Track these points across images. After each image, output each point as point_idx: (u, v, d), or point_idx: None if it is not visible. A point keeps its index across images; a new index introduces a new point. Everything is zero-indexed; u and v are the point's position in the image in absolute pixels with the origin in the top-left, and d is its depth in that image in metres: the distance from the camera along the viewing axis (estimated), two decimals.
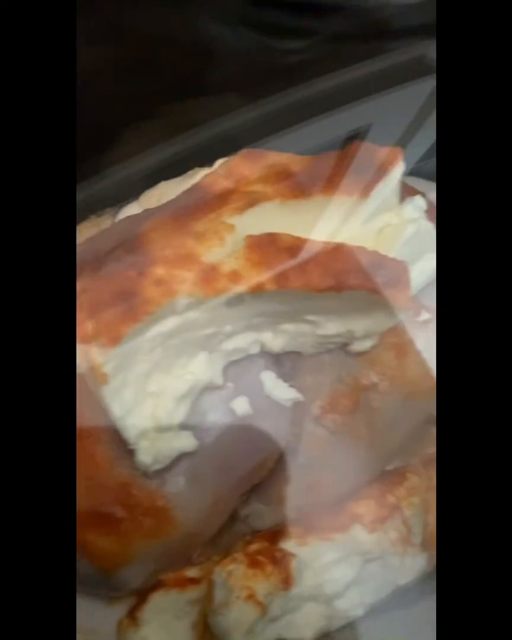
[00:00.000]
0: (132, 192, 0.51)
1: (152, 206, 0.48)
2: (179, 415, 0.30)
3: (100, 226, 0.49)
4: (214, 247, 0.29)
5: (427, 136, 0.45)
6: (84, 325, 0.27)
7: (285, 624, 0.30)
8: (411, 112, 0.44)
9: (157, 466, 0.29)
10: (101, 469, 0.30)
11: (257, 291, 0.28)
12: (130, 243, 0.29)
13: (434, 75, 0.41)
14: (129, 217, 0.39)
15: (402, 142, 0.43)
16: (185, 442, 0.30)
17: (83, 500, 0.29)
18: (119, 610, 0.33)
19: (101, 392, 0.28)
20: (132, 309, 0.27)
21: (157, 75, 0.47)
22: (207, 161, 0.50)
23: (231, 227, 0.29)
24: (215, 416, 0.32)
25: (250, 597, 0.29)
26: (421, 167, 0.47)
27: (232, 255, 0.29)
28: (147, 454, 0.29)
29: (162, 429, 0.30)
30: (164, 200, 0.48)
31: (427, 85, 0.45)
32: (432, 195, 0.41)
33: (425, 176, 0.46)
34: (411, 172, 0.47)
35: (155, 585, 0.32)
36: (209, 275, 0.28)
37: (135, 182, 0.52)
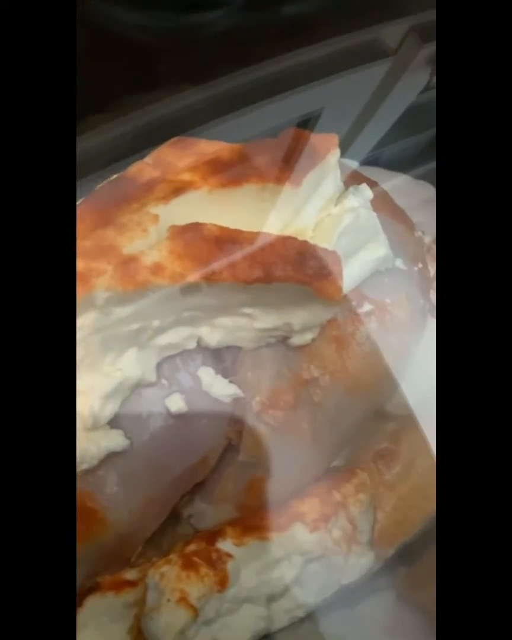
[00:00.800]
0: (85, 189, 0.50)
1: None
2: (108, 413, 0.29)
3: None
4: (136, 238, 0.27)
5: (382, 123, 0.44)
6: None
7: (220, 627, 0.29)
8: (364, 98, 0.43)
9: (84, 466, 0.28)
10: None
11: (180, 284, 0.27)
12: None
13: (389, 59, 0.40)
14: None
15: (356, 130, 0.42)
16: (115, 441, 0.29)
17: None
18: None
19: None
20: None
21: (108, 68, 0.46)
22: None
23: (155, 217, 0.28)
24: (149, 414, 0.31)
25: (182, 600, 0.28)
26: (380, 156, 0.46)
27: (155, 247, 0.27)
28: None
29: (89, 428, 0.29)
30: None
31: (380, 70, 0.43)
32: (389, 184, 0.40)
33: (384, 165, 0.45)
34: (369, 162, 0.46)
35: (91, 588, 0.31)
36: (129, 267, 0.27)
37: (87, 179, 0.51)
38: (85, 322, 0.27)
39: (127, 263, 0.27)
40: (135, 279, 0.27)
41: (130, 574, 0.32)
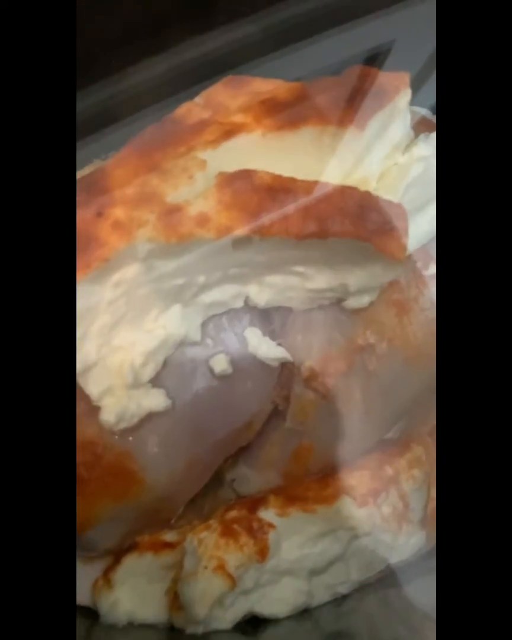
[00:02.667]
0: (126, 132, 0.48)
1: None
2: (149, 371, 0.28)
3: None
4: (181, 185, 0.25)
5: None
6: None
7: (259, 598, 0.28)
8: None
9: (123, 425, 0.27)
10: None
11: (227, 237, 0.25)
12: (89, 181, 0.26)
13: None
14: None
15: (430, 68, 0.37)
16: (156, 400, 0.28)
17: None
18: (96, 569, 0.32)
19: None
20: (87, 255, 0.24)
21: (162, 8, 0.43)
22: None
23: (202, 163, 0.26)
24: (192, 374, 0.29)
25: (220, 568, 0.27)
26: None
27: (201, 195, 0.25)
28: (112, 412, 0.27)
29: (129, 386, 0.27)
30: None
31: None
32: None
33: None
34: None
35: (130, 547, 0.31)
36: (173, 218, 0.25)
37: (141, 125, 0.49)
38: (126, 275, 0.26)
39: (171, 213, 0.25)
40: (178, 230, 0.25)
41: (169, 536, 0.31)
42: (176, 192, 0.25)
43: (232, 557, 0.28)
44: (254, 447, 0.32)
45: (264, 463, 0.32)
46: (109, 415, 0.27)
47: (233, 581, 0.27)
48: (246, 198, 0.25)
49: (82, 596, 0.32)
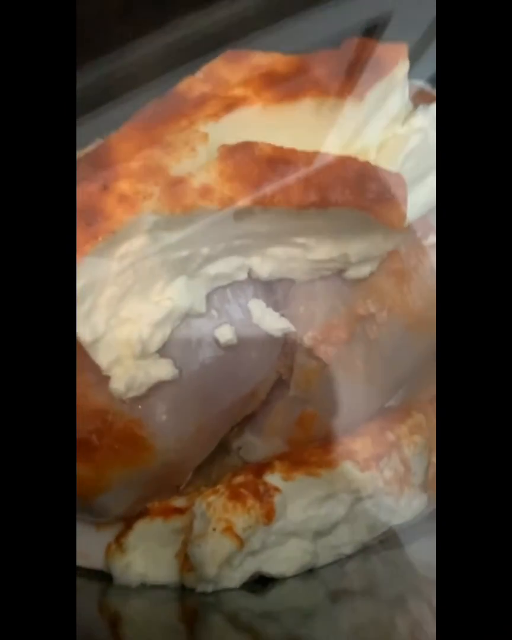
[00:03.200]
0: (130, 105, 0.48)
1: None
2: (157, 342, 0.28)
3: None
4: (184, 158, 0.26)
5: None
6: None
7: (266, 558, 0.29)
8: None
9: (132, 394, 0.28)
10: (81, 395, 0.29)
11: (230, 208, 0.26)
12: (94, 156, 0.26)
13: None
14: None
15: (428, 40, 0.37)
16: (164, 370, 0.29)
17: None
18: (108, 535, 0.33)
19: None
20: (94, 227, 0.25)
21: None
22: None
23: (204, 136, 0.26)
24: (198, 345, 0.30)
25: (228, 529, 0.28)
26: None
27: (204, 167, 0.26)
28: (121, 381, 0.28)
29: (138, 356, 0.28)
30: None
31: None
32: None
33: None
34: None
35: (141, 513, 0.32)
36: (177, 190, 0.25)
37: (140, 102, 0.49)
38: (132, 247, 0.26)
39: (175, 185, 0.26)
40: (182, 202, 0.25)
41: (178, 502, 0.32)
42: (179, 164, 0.26)
43: (240, 519, 0.29)
44: (259, 415, 0.33)
45: (269, 431, 0.33)
46: (118, 384, 0.28)
47: (241, 542, 0.28)
48: (248, 169, 0.26)
49: (96, 561, 0.33)
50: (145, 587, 0.31)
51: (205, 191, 0.25)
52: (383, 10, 0.32)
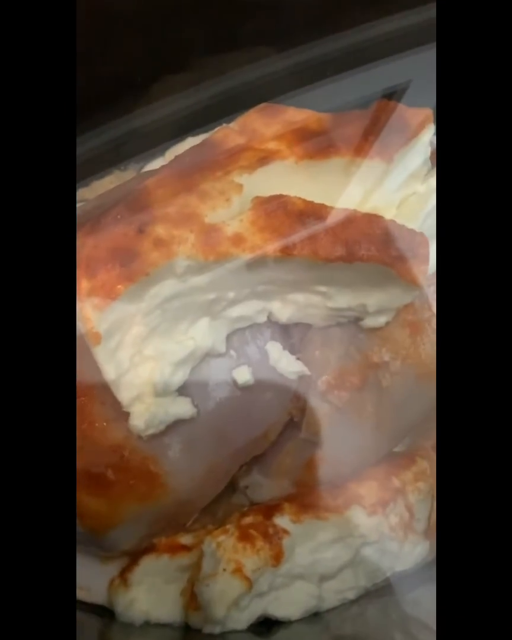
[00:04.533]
0: (158, 147, 0.50)
1: None
2: (177, 380, 0.29)
3: (122, 180, 0.48)
4: (219, 207, 0.27)
5: None
6: (80, 282, 0.26)
7: (272, 600, 0.30)
8: None
9: (151, 431, 0.29)
10: (96, 429, 0.29)
11: (261, 258, 0.27)
12: (132, 199, 0.27)
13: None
14: (141, 173, 0.38)
15: None
16: (183, 408, 0.29)
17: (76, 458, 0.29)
18: (112, 569, 0.33)
19: (94, 352, 0.27)
20: (128, 268, 0.26)
21: (187, 27, 0.45)
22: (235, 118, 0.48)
23: (239, 187, 0.27)
24: (216, 384, 0.31)
25: (238, 570, 0.29)
26: None
27: (237, 217, 0.27)
28: (141, 418, 0.28)
29: (158, 394, 0.29)
30: None
31: None
32: None
33: None
34: None
35: (147, 549, 0.32)
36: (211, 237, 0.26)
37: (161, 137, 0.50)
38: (163, 289, 0.27)
39: (209, 232, 0.27)
40: (216, 249, 0.26)
41: (185, 539, 0.32)
42: (214, 213, 0.27)
43: (249, 561, 0.29)
44: (268, 455, 0.34)
45: (277, 471, 0.34)
46: (138, 421, 0.28)
47: (250, 584, 0.29)
48: (279, 221, 0.27)
49: (98, 595, 0.33)
50: (149, 625, 0.31)
51: (238, 240, 0.26)
52: (403, 78, 0.34)
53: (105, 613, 0.32)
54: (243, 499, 0.34)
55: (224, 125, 0.40)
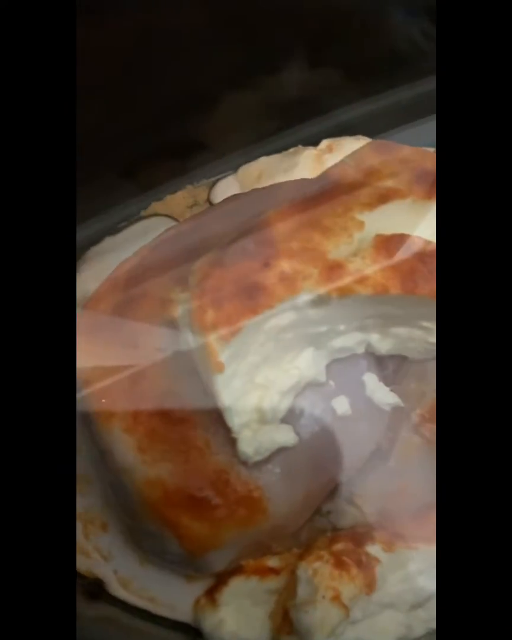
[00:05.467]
0: (230, 164, 0.50)
1: (251, 182, 0.48)
2: (283, 408, 0.30)
3: (195, 196, 0.49)
4: (342, 243, 0.28)
5: None
6: (205, 312, 0.27)
7: (365, 628, 0.30)
8: None
9: (258, 457, 0.29)
10: (198, 454, 0.30)
11: (382, 295, 0.27)
12: (257, 232, 0.28)
13: None
14: (237, 198, 0.38)
15: None
16: (287, 436, 0.30)
17: (179, 482, 0.29)
18: (197, 588, 0.33)
19: (214, 380, 0.28)
20: (254, 301, 0.26)
21: (255, 44, 0.45)
22: (310, 141, 0.49)
23: (361, 224, 0.28)
24: (315, 413, 0.31)
25: (336, 598, 0.29)
26: None
27: (359, 254, 0.28)
28: (250, 445, 0.29)
29: (265, 421, 0.29)
30: (265, 178, 0.47)
31: None
32: None
33: None
34: None
35: (236, 570, 0.32)
36: (335, 273, 0.27)
37: (232, 154, 0.51)
38: (280, 321, 0.28)
39: (333, 268, 0.27)
40: (339, 285, 0.27)
41: (272, 562, 0.33)
42: (337, 249, 0.27)
43: (346, 589, 0.30)
44: (353, 483, 0.34)
45: (361, 499, 0.34)
46: (247, 448, 0.29)
47: (347, 611, 0.29)
48: (401, 260, 0.27)
49: (182, 614, 0.33)
50: None
51: (361, 277, 0.27)
52: None
53: (190, 631, 0.33)
54: (325, 523, 0.35)
55: (313, 149, 0.41)
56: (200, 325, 0.27)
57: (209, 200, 0.48)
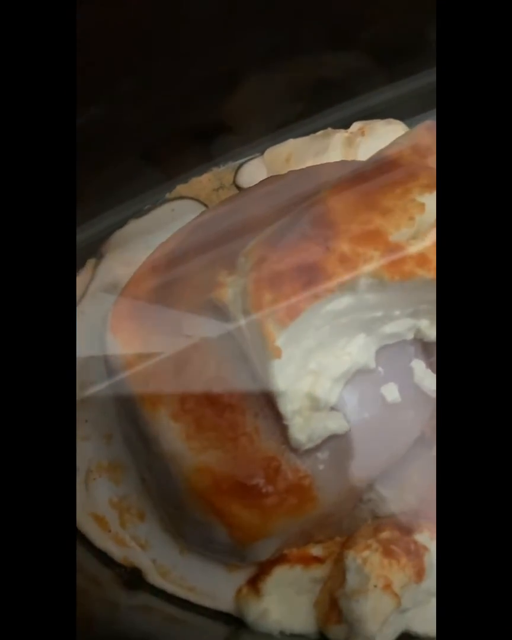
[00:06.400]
0: (256, 146, 0.49)
1: (279, 165, 0.47)
2: (335, 395, 0.29)
3: (221, 179, 0.48)
4: (402, 226, 0.27)
5: None
6: (262, 295, 0.26)
7: (413, 617, 0.30)
8: None
9: (310, 445, 0.29)
10: (248, 440, 0.29)
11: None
12: (315, 214, 0.27)
13: None
14: (273, 180, 0.37)
15: None
16: (338, 423, 0.29)
17: (229, 469, 0.29)
18: (239, 577, 0.33)
19: (270, 365, 0.27)
20: (314, 285, 0.26)
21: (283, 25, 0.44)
22: (337, 125, 0.48)
23: (421, 206, 0.27)
24: (364, 400, 0.31)
25: (387, 587, 0.29)
26: None
27: (420, 236, 0.27)
28: (302, 431, 0.28)
29: (317, 408, 0.29)
30: (294, 160, 0.46)
31: None
32: None
33: None
34: None
35: (279, 559, 0.32)
36: (397, 256, 0.26)
37: (259, 136, 0.50)
38: (338, 306, 0.27)
39: (394, 251, 0.26)
40: (402, 269, 0.26)
41: (316, 550, 0.32)
42: (398, 232, 0.27)
43: (396, 577, 0.29)
44: (394, 471, 0.34)
45: (403, 487, 0.34)
46: (300, 434, 0.28)
47: (399, 600, 0.29)
48: None
49: (224, 603, 0.33)
50: (283, 635, 0.31)
51: (423, 260, 0.26)
52: None
53: (233, 621, 0.32)
54: (365, 512, 0.34)
55: (345, 132, 0.40)
56: (257, 309, 0.26)
57: (235, 183, 0.47)
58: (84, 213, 0.40)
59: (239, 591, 0.32)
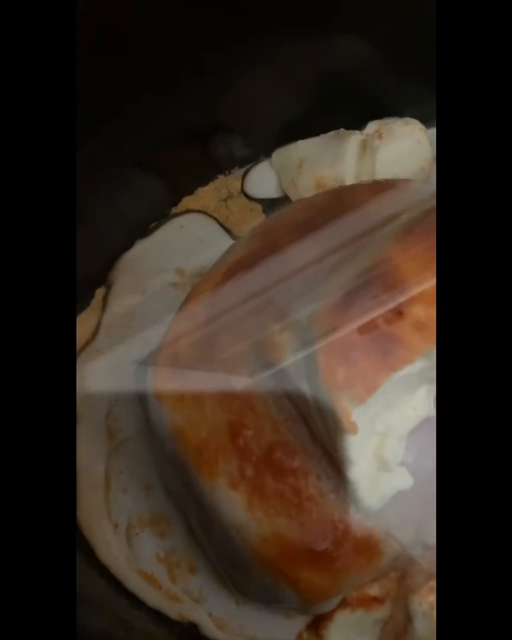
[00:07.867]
0: (263, 150, 0.46)
1: (290, 171, 0.43)
2: (401, 453, 0.28)
3: (228, 187, 0.44)
4: None
5: None
6: (334, 369, 0.24)
7: None
8: None
9: (379, 506, 0.28)
10: (313, 504, 0.28)
11: None
12: (384, 275, 0.25)
13: None
14: (305, 206, 0.35)
15: None
16: (403, 480, 0.28)
17: (297, 536, 0.28)
18: (298, 623, 0.33)
19: (343, 439, 0.25)
20: (392, 357, 0.24)
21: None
22: (347, 123, 0.45)
23: None
24: (427, 449, 0.30)
25: None
26: None
27: None
28: (371, 496, 0.27)
29: (385, 469, 0.28)
30: (307, 166, 0.43)
31: None
32: None
33: None
34: None
35: (340, 604, 0.32)
36: None
37: (264, 139, 0.46)
38: (413, 370, 0.26)
39: None
40: None
41: (374, 590, 0.32)
42: None
43: None
44: None
45: None
46: (370, 499, 0.27)
47: None
48: None
49: None
50: None
51: None
52: None
53: None
54: (416, 543, 0.34)
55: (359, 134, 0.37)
56: (329, 383, 0.25)
57: (243, 191, 0.44)
58: (84, 229, 0.36)
59: (299, 636, 0.32)
